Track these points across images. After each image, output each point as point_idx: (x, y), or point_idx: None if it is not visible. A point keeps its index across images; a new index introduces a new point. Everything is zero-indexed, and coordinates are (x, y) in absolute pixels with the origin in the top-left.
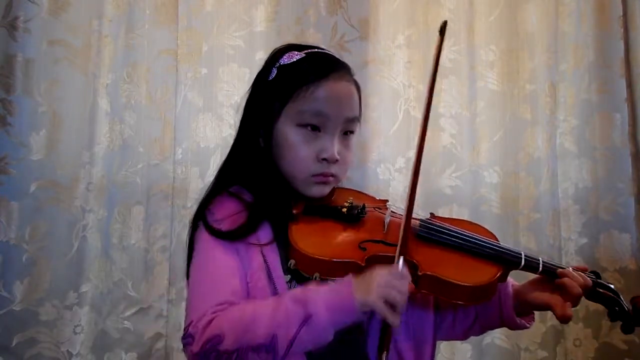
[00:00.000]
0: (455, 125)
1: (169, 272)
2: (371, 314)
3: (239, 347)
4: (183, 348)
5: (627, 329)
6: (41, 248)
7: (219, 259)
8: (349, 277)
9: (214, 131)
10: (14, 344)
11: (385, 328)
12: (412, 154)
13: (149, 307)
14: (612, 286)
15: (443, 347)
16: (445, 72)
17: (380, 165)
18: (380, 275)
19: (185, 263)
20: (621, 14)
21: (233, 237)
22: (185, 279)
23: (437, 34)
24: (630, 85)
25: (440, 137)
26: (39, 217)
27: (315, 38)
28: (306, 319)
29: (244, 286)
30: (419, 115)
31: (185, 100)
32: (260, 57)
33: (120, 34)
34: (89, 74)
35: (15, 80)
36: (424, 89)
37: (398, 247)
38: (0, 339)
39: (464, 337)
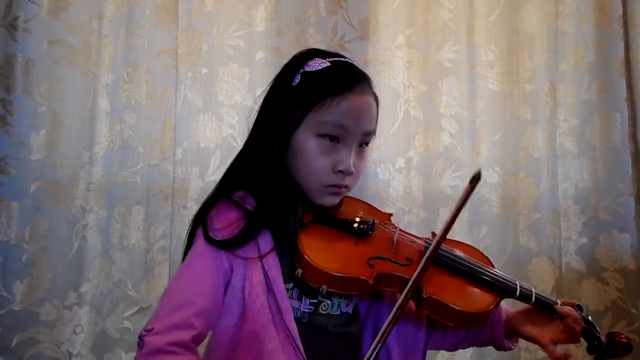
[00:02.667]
0: (455, 125)
1: (169, 272)
2: (366, 312)
3: None
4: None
5: None
6: (41, 248)
7: (201, 275)
8: None
9: (214, 131)
10: (14, 344)
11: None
12: (413, 154)
13: (149, 307)
14: (590, 319)
15: None
16: (445, 72)
17: (380, 165)
18: None
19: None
20: (621, 14)
21: (229, 246)
22: None
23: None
24: (630, 85)
25: (441, 137)
26: (39, 217)
27: (315, 38)
28: None
29: (216, 307)
30: (419, 115)
31: (185, 100)
32: (260, 57)
33: (120, 34)
34: (89, 74)
35: (15, 80)
36: (424, 89)
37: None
38: (0, 339)
39: (451, 349)
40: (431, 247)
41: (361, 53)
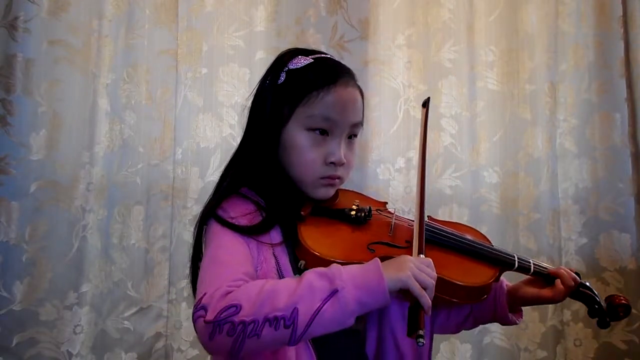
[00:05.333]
0: (455, 125)
1: (169, 272)
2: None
3: (255, 317)
4: (193, 322)
5: (603, 324)
6: (41, 248)
7: (233, 247)
8: (376, 259)
9: (214, 131)
10: (14, 344)
11: (415, 310)
12: (413, 154)
13: (149, 307)
14: (589, 284)
15: (443, 346)
16: (445, 72)
17: (380, 165)
18: (410, 260)
19: (189, 263)
20: (621, 14)
21: (250, 232)
22: (188, 278)
23: (421, 105)
24: (630, 85)
25: (440, 137)
26: (39, 217)
27: (315, 38)
28: (332, 293)
29: (255, 276)
30: (419, 115)
31: (185, 100)
32: (260, 57)
33: (120, 34)
34: (89, 74)
35: (15, 80)
36: (424, 89)
37: (415, 244)
38: (0, 339)
39: (456, 330)
40: (418, 192)
41: (361, 53)
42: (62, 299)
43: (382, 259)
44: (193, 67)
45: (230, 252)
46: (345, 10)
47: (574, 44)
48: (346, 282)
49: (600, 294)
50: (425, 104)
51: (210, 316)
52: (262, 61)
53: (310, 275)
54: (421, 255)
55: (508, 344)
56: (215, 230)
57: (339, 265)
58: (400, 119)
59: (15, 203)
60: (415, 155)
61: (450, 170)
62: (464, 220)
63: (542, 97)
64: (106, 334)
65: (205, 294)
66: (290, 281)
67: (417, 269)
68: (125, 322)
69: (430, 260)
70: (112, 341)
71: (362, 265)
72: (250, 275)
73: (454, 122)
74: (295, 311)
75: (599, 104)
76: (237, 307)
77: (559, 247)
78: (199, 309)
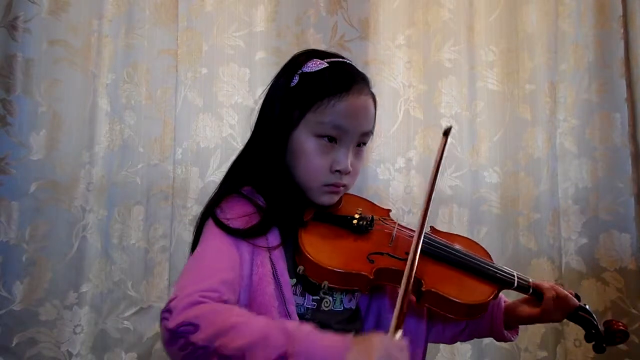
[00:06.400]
0: (455, 125)
1: (169, 272)
2: (367, 310)
3: (208, 345)
4: (160, 322)
5: (599, 349)
6: (41, 248)
7: (219, 250)
8: (350, 336)
9: (214, 131)
10: (14, 344)
11: None
12: (413, 153)
13: (149, 307)
14: (588, 308)
15: (443, 347)
16: (445, 72)
17: (380, 165)
18: (381, 343)
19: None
20: (621, 14)
21: (243, 235)
22: None
23: (441, 135)
24: (630, 85)
25: (440, 137)
26: (39, 217)
27: (315, 38)
28: (281, 357)
29: (237, 283)
30: (419, 115)
31: (185, 100)
32: (260, 57)
33: (120, 34)
34: (89, 74)
35: (15, 80)
36: (424, 89)
37: (394, 323)
38: (0, 339)
39: (450, 342)
40: (420, 220)
41: (361, 53)
42: (62, 299)
43: (380, 271)
44: (193, 67)
45: (215, 255)
46: (345, 10)
47: (574, 43)
48: (302, 350)
49: (601, 294)
50: (446, 133)
51: (171, 324)
52: (262, 61)
53: (275, 327)
54: (398, 333)
55: (508, 345)
56: (209, 230)
57: (311, 329)
58: (400, 119)
59: (15, 203)
60: (415, 161)
61: (450, 170)
62: (464, 220)
63: (542, 97)
64: (106, 334)
65: (175, 297)
66: (258, 322)
67: (386, 356)
68: (125, 322)
69: (405, 343)
70: (112, 341)
71: (333, 339)
72: (228, 283)
73: (454, 122)
74: (242, 358)
75: (599, 104)
76: (196, 328)
77: (559, 247)
78: (165, 310)
